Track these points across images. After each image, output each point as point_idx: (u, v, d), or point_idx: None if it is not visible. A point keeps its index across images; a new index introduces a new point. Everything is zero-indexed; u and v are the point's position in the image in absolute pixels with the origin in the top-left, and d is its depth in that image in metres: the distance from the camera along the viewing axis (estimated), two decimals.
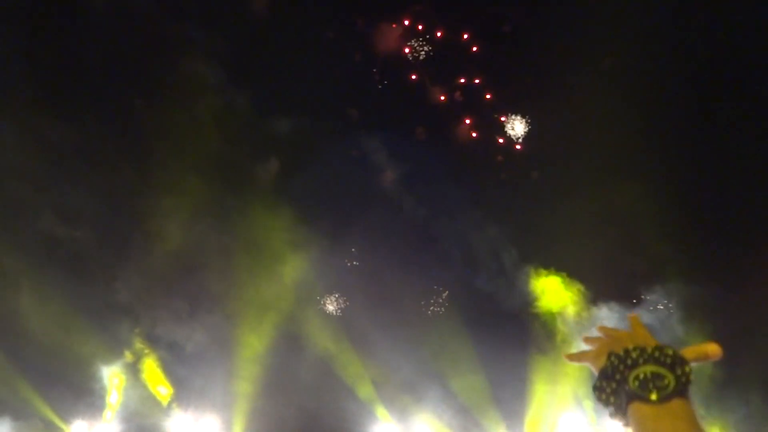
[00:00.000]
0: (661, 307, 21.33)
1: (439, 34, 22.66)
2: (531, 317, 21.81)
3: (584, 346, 2.01)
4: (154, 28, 21.94)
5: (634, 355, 1.81)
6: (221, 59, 22.24)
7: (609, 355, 1.85)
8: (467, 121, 22.68)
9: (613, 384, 1.79)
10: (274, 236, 21.48)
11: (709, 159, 21.12)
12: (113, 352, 20.90)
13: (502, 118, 22.68)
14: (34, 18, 21.97)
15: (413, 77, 22.99)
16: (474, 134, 22.75)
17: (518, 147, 22.81)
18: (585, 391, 19.89)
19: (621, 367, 1.80)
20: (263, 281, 21.21)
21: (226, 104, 22.32)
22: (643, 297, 21.36)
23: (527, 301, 21.86)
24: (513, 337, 20.71)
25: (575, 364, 2.04)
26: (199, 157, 21.75)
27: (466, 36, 22.31)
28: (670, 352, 1.80)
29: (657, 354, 1.79)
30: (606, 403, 1.80)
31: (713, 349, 1.88)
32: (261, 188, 22.30)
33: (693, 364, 1.81)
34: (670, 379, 1.74)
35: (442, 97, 22.56)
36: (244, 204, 21.94)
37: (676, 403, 1.71)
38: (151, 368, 20.94)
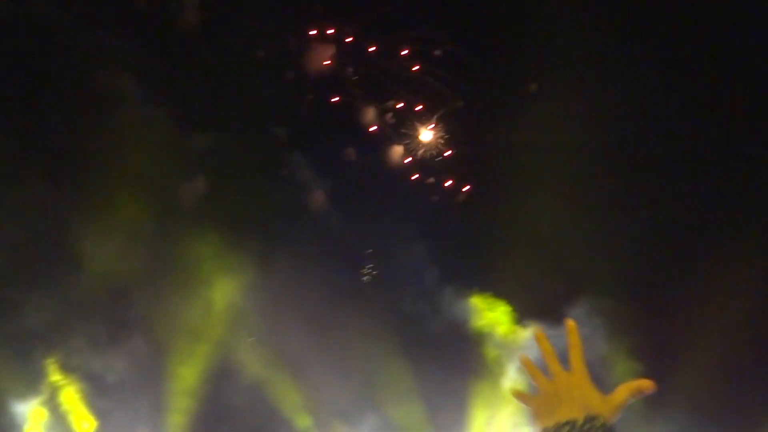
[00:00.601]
0: (586, 325, 22.26)
1: (372, 49, 22.52)
2: (464, 340, 22.52)
3: (524, 364, 2.23)
4: (67, 36, 21.48)
5: (565, 430, 1.97)
6: (141, 72, 21.95)
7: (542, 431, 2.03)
8: (408, 160, 22.77)
9: None
10: (202, 258, 21.39)
11: (631, 176, 22.25)
12: (28, 384, 20.30)
13: (447, 153, 22.90)
14: None
15: (340, 98, 22.91)
16: (415, 176, 22.80)
17: (466, 189, 23.09)
18: (523, 417, 20.66)
19: None
20: (191, 306, 21.09)
21: (148, 120, 21.98)
22: (568, 315, 22.24)
23: (460, 323, 22.56)
24: (450, 362, 21.41)
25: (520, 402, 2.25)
26: (120, 175, 21.42)
27: (404, 53, 22.24)
28: (600, 423, 1.97)
29: (587, 427, 1.95)
30: None
31: (646, 384, 2.10)
32: (187, 209, 22.15)
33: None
34: None
35: (374, 127, 22.62)
36: (168, 225, 21.74)
37: None
38: (71, 401, 20.48)
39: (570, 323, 2.24)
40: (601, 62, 21.14)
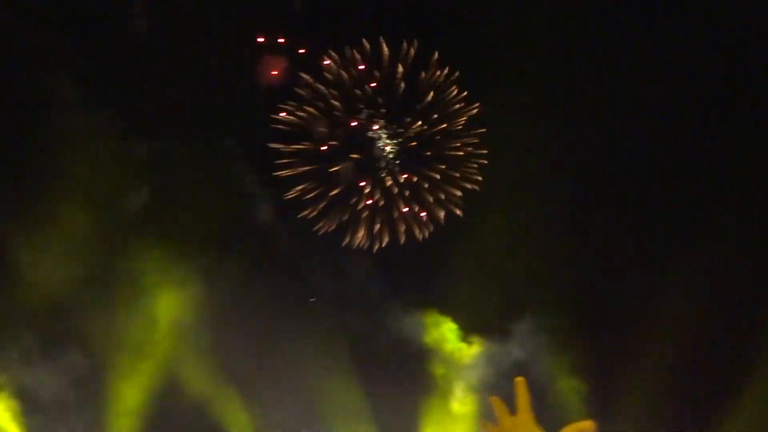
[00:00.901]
0: (530, 342, 22.98)
1: (327, 62, 22.52)
2: (411, 357, 23.01)
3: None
4: (4, 36, 21.19)
5: None
6: (85, 77, 21.76)
7: None
8: (361, 184, 22.87)
9: None
10: (145, 271, 21.32)
11: (572, 197, 23.16)
12: None
13: (405, 177, 23.05)
14: None
15: (287, 112, 22.86)
16: (371, 200, 22.83)
17: (423, 215, 23.15)
18: None
19: None
20: (133, 321, 20.98)
21: (91, 127, 21.74)
22: (512, 331, 22.96)
23: (407, 340, 23.03)
24: (397, 378, 21.84)
25: None
26: (60, 182, 21.21)
27: (361, 67, 22.35)
28: None
29: None
30: None
31: (588, 425, 2.37)
32: (130, 220, 22.03)
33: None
34: None
35: (324, 147, 22.65)
36: (110, 236, 21.59)
37: None
38: (2, 419, 20.05)
39: (518, 380, 2.52)
40: (548, 91, 22.14)
